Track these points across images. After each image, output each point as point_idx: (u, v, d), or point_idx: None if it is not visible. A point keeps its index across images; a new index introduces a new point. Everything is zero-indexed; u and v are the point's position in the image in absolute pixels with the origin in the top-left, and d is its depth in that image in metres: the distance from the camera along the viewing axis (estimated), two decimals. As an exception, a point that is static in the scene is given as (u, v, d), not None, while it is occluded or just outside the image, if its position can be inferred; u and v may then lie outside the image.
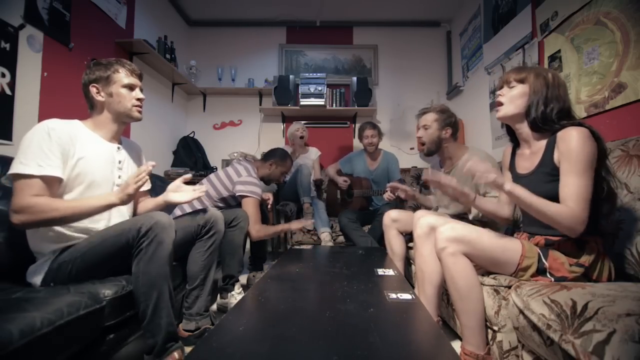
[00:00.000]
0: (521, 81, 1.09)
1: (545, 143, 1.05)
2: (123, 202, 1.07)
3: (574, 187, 0.93)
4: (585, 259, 0.96)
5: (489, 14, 2.70)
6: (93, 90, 1.16)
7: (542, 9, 2.02)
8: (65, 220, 1.01)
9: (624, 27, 1.49)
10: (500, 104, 1.12)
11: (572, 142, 0.94)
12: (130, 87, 1.21)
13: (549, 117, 1.03)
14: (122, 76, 1.19)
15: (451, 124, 1.65)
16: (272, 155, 2.13)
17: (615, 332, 0.59)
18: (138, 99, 1.22)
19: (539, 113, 1.04)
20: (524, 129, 1.11)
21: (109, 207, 1.06)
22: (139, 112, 1.24)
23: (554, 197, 1.01)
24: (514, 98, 1.09)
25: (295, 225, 1.99)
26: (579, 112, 1.74)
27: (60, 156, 1.02)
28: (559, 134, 0.99)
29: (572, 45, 1.79)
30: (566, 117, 1.03)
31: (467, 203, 1.28)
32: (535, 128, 1.07)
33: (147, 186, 1.46)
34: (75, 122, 1.15)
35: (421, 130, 1.68)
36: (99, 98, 1.17)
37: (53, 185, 1.01)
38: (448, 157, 1.71)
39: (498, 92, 1.14)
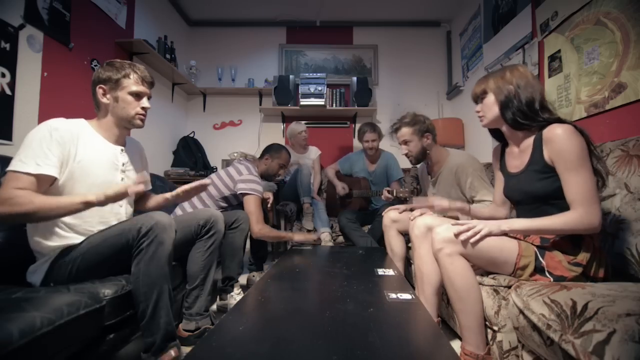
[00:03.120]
0: (484, 92, 1.13)
1: (533, 140, 1.06)
2: (100, 202, 1.01)
3: (576, 185, 0.94)
4: (582, 257, 0.96)
5: (489, 14, 2.70)
6: (99, 91, 1.15)
7: (542, 9, 2.02)
8: (40, 215, 0.95)
9: (624, 27, 1.49)
10: (482, 116, 1.17)
11: (560, 141, 0.95)
12: (138, 95, 1.18)
13: (525, 110, 1.04)
14: (131, 82, 1.16)
15: (428, 129, 1.68)
16: (268, 151, 2.13)
17: (615, 332, 0.59)
18: (143, 108, 1.20)
19: (514, 110, 1.05)
20: (507, 129, 1.13)
21: (86, 204, 1.00)
22: (142, 120, 1.21)
23: (548, 195, 1.02)
24: (489, 107, 1.13)
25: (297, 237, 1.98)
26: (579, 112, 1.74)
27: (60, 156, 1.02)
28: (545, 133, 1.00)
29: (572, 45, 1.79)
30: (544, 110, 1.04)
31: (464, 214, 1.34)
32: (517, 126, 1.08)
33: (148, 187, 1.46)
34: (81, 122, 1.14)
35: (404, 146, 1.72)
36: (104, 100, 1.15)
37: (44, 184, 0.99)
38: (433, 162, 1.73)
39: (476, 109, 1.19)
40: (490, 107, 1.12)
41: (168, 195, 1.36)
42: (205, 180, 1.39)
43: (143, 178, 1.18)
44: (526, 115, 1.04)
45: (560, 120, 1.00)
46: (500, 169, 1.23)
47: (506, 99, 1.07)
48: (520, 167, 1.10)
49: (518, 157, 1.13)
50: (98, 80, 1.15)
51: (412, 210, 1.74)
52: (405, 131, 1.69)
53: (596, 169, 0.97)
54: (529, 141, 1.07)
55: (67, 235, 1.07)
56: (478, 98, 1.17)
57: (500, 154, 1.24)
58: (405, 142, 1.70)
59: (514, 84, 1.06)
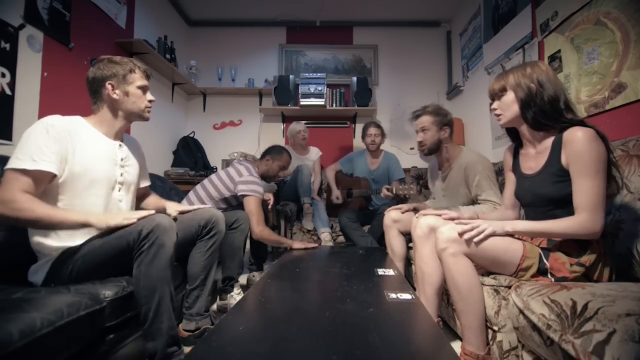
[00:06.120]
0: (503, 89, 1.09)
1: (552, 142, 1.03)
2: (100, 228, 1.03)
3: (585, 190, 0.93)
4: (586, 259, 0.96)
5: (489, 14, 2.70)
6: (109, 87, 1.15)
7: (542, 9, 2.02)
8: (39, 224, 0.97)
9: (624, 27, 1.49)
10: (499, 114, 1.12)
11: (579, 145, 0.93)
12: (143, 89, 1.22)
13: (548, 110, 1.01)
14: (137, 77, 1.20)
15: (448, 122, 1.67)
16: (269, 152, 2.14)
17: (615, 332, 0.59)
18: (150, 101, 1.24)
19: (535, 109, 1.02)
20: (526, 130, 1.10)
21: (85, 225, 1.02)
22: (149, 112, 1.26)
23: (562, 198, 1.00)
24: (507, 105, 1.09)
25: (297, 244, 1.97)
26: (579, 112, 1.73)
27: (57, 152, 1.01)
28: (565, 135, 0.98)
29: (572, 45, 1.79)
30: (568, 110, 1.01)
31: None
32: (538, 126, 1.04)
33: (147, 182, 1.46)
34: (77, 119, 1.14)
35: (421, 134, 1.70)
36: (114, 96, 1.16)
37: (43, 181, 0.99)
38: (445, 158, 1.72)
39: (492, 107, 1.14)
40: (509, 105, 1.08)
41: (168, 209, 1.42)
42: (206, 206, 1.44)
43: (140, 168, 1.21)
44: (548, 115, 1.01)
45: (582, 123, 0.98)
46: (513, 169, 1.20)
47: (527, 97, 1.02)
48: (535, 169, 1.08)
49: (534, 159, 1.10)
50: (103, 77, 1.15)
51: (415, 210, 1.74)
52: (426, 119, 1.68)
53: (613, 175, 0.96)
54: (548, 143, 1.05)
55: (68, 234, 1.06)
56: (495, 95, 1.12)
57: (514, 155, 1.21)
58: (423, 130, 1.68)
59: (535, 81, 1.02)
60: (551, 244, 1.03)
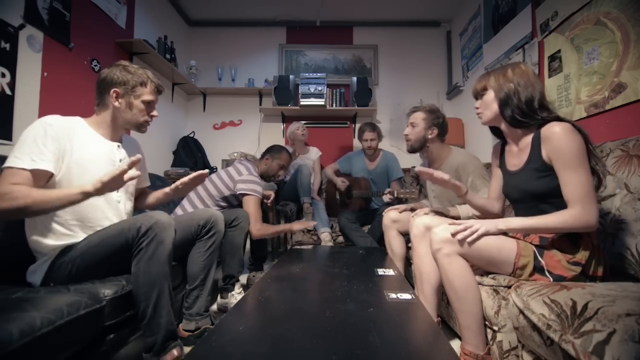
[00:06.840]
0: (485, 89, 1.14)
1: (531, 139, 1.06)
2: (98, 191, 0.96)
3: (574, 183, 0.94)
4: (581, 256, 0.96)
5: (489, 14, 2.70)
6: (113, 94, 1.15)
7: (542, 9, 2.02)
8: (38, 207, 0.93)
9: (624, 27, 1.49)
10: (480, 112, 1.17)
11: (558, 139, 0.96)
12: (149, 104, 1.21)
13: (524, 109, 1.04)
14: (147, 92, 1.19)
15: (438, 124, 1.67)
16: (268, 151, 2.14)
17: (615, 332, 0.59)
18: (152, 116, 1.24)
19: (513, 107, 1.05)
20: (506, 127, 1.14)
21: (84, 195, 0.96)
22: (146, 128, 1.25)
23: (546, 193, 1.03)
24: (487, 104, 1.13)
25: (297, 226, 1.98)
26: (579, 112, 1.74)
27: (55, 151, 1.02)
28: (543, 131, 1.00)
29: (572, 45, 1.79)
30: (543, 109, 1.04)
31: (459, 195, 1.33)
32: (516, 124, 1.08)
33: (147, 183, 1.46)
34: (76, 119, 1.14)
35: (408, 128, 1.72)
36: (115, 103, 1.16)
37: (41, 179, 0.99)
38: (433, 158, 1.73)
39: (475, 105, 1.19)
40: (489, 104, 1.13)
41: (167, 189, 1.35)
42: (204, 171, 1.33)
43: (139, 169, 1.17)
44: (525, 114, 1.05)
45: (559, 119, 1.01)
46: (500, 167, 1.24)
47: (506, 96, 1.07)
48: (519, 166, 1.11)
49: (517, 156, 1.13)
50: (112, 82, 1.15)
51: (412, 210, 1.74)
52: (418, 115, 1.70)
53: (594, 168, 0.98)
54: (528, 139, 1.08)
55: (66, 233, 1.07)
56: (478, 94, 1.17)
57: (500, 152, 1.24)
58: (412, 125, 1.70)
59: (514, 82, 1.06)
60: (543, 241, 1.03)
